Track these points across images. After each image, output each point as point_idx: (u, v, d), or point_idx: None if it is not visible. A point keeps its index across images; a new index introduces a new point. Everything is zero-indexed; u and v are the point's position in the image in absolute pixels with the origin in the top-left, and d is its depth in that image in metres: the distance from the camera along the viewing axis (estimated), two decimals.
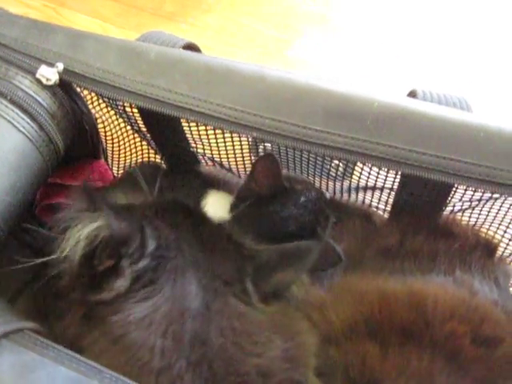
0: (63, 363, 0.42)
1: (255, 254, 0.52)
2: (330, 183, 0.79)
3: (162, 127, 0.72)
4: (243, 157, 0.78)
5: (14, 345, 0.43)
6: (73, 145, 0.67)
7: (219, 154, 0.76)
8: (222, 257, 0.51)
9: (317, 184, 0.82)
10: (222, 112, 0.56)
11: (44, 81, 0.59)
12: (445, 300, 0.55)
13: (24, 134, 0.57)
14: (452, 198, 0.66)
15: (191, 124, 0.70)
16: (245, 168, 0.81)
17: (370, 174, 0.68)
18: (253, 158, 0.81)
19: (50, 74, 0.59)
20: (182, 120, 0.70)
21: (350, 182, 0.74)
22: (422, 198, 0.67)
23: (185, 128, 0.72)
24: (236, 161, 0.79)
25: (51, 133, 0.60)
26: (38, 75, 0.59)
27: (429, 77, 1.19)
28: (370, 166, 0.65)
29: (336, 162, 0.74)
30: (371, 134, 0.54)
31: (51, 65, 0.59)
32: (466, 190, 0.63)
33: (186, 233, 0.50)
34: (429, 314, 0.53)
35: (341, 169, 0.75)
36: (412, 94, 0.63)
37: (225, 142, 0.73)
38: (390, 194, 0.71)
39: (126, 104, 0.69)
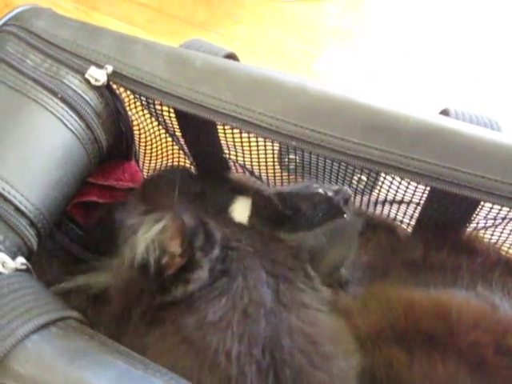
0: (110, 352, 0.43)
1: (302, 240, 0.53)
2: (354, 196, 0.81)
3: (198, 132, 0.74)
4: (274, 166, 0.80)
5: (63, 331, 0.45)
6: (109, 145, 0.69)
7: (251, 162, 0.78)
8: (278, 246, 0.52)
9: None
10: (264, 120, 0.58)
11: (93, 81, 0.61)
12: (468, 311, 0.56)
13: (72, 132, 0.59)
14: (477, 215, 0.68)
15: (227, 131, 0.72)
16: (274, 177, 0.83)
17: (398, 188, 0.69)
18: (283, 169, 0.84)
19: (98, 75, 0.61)
20: (218, 127, 0.72)
21: (378, 195, 0.76)
22: (447, 214, 0.68)
23: (220, 135, 0.74)
24: (267, 169, 0.81)
25: (96, 131, 0.62)
26: (87, 75, 0.61)
27: (455, 96, 1.21)
28: (399, 180, 0.67)
29: (361, 176, 0.76)
30: (406, 148, 0.56)
31: (100, 66, 0.62)
32: (491, 207, 0.65)
33: (235, 226, 0.51)
34: (453, 323, 0.54)
35: (363, 183, 0.77)
36: (444, 113, 0.65)
37: (258, 151, 0.75)
38: (415, 208, 0.73)
39: (164, 108, 0.71)
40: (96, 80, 0.61)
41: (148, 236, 0.44)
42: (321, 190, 0.73)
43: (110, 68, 0.61)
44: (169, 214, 0.45)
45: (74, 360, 0.42)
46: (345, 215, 0.72)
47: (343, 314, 0.58)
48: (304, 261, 0.52)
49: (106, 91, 0.63)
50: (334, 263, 0.55)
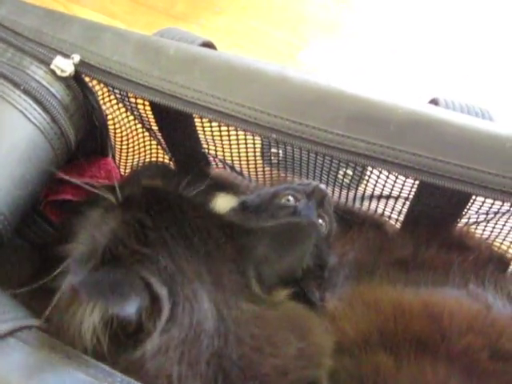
0: (72, 365, 0.40)
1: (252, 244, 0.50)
2: (342, 191, 0.78)
3: (175, 126, 0.70)
4: (255, 161, 0.77)
5: (23, 343, 0.41)
6: (82, 140, 0.65)
7: (231, 157, 0.75)
8: (223, 262, 0.48)
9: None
10: (241, 112, 0.54)
11: (59, 72, 0.57)
12: (461, 313, 0.53)
13: (36, 125, 0.56)
14: (469, 209, 0.65)
15: (205, 124, 0.68)
16: (256, 172, 0.79)
17: (385, 182, 0.66)
18: (264, 164, 0.80)
19: (65, 65, 0.57)
20: (195, 119, 0.69)
21: (365, 190, 0.73)
22: (437, 209, 0.65)
23: (198, 128, 0.70)
24: (248, 164, 0.77)
25: (63, 125, 0.58)
26: (52, 66, 0.57)
27: (444, 88, 1.18)
28: (387, 173, 0.64)
29: (346, 170, 0.73)
30: (394, 140, 0.53)
31: (67, 56, 0.58)
32: (483, 202, 0.62)
33: (180, 240, 0.47)
34: (445, 326, 0.52)
35: (349, 177, 0.74)
36: (433, 102, 0.62)
37: (238, 145, 0.71)
38: (404, 203, 0.70)
39: (138, 101, 0.68)
40: (62, 71, 0.57)
41: (93, 321, 0.41)
42: (290, 198, 0.70)
43: (76, 57, 0.57)
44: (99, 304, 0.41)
45: (32, 375, 0.39)
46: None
47: (329, 318, 0.55)
48: (250, 278, 0.49)
49: (73, 83, 0.59)
50: (282, 274, 0.51)
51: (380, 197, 0.72)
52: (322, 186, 0.72)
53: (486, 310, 0.56)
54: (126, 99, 0.68)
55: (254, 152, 0.75)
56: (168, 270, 0.45)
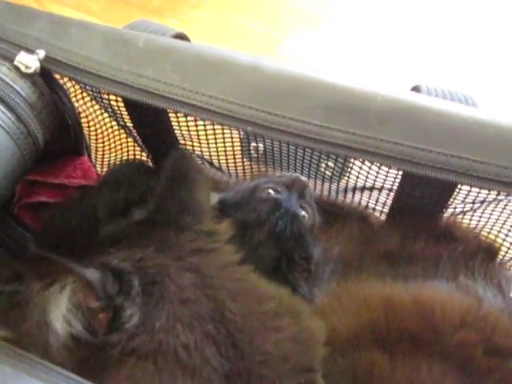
0: (39, 377, 0.38)
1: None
2: (324, 184, 0.76)
3: (149, 122, 0.68)
4: (234, 156, 0.74)
5: None
6: (54, 140, 0.63)
7: (209, 152, 0.72)
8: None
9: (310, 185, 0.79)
10: (215, 104, 0.52)
11: (23, 68, 0.55)
12: (453, 308, 0.52)
13: (0, 126, 0.53)
14: (454, 199, 0.63)
15: (180, 119, 0.66)
16: (235, 167, 0.77)
17: (368, 173, 0.64)
18: (245, 158, 0.78)
19: (29, 61, 0.55)
20: (170, 114, 0.66)
21: (347, 182, 0.71)
22: (422, 199, 0.64)
23: (173, 123, 0.68)
24: (227, 160, 0.75)
25: (30, 125, 0.55)
26: (16, 62, 0.55)
27: (425, 74, 1.16)
28: (369, 164, 0.62)
29: (328, 163, 0.71)
30: (374, 129, 0.51)
31: (31, 51, 0.55)
32: (469, 191, 0.60)
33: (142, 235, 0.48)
34: (438, 322, 0.50)
35: (331, 170, 0.72)
36: (415, 90, 0.60)
37: (215, 139, 0.69)
38: (388, 194, 0.68)
39: (111, 97, 0.65)
40: (26, 67, 0.55)
41: (61, 309, 0.41)
42: (271, 191, 0.69)
43: (41, 53, 0.55)
44: (70, 277, 0.41)
45: None
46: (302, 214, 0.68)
47: (317, 313, 0.53)
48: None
49: (39, 79, 0.56)
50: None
51: (363, 188, 0.70)
52: (302, 178, 0.71)
53: (478, 303, 0.55)
54: (99, 96, 0.66)
55: (233, 147, 0.73)
56: (139, 262, 0.45)
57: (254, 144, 0.76)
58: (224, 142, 0.70)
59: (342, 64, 1.20)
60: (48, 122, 0.59)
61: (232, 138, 0.70)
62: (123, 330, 0.41)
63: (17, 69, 0.55)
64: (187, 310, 0.42)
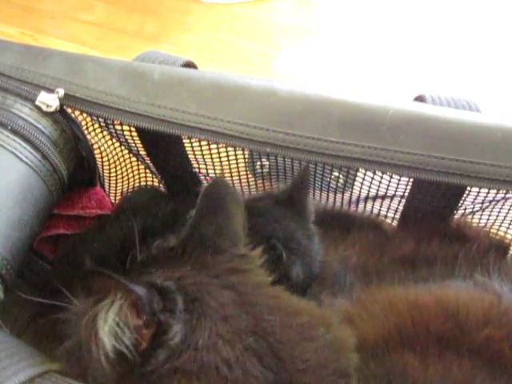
0: None
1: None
2: (331, 194, 0.78)
3: (163, 149, 0.70)
4: (247, 174, 0.77)
5: None
6: (70, 173, 0.65)
7: (222, 172, 0.74)
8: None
9: (317, 197, 0.81)
10: (234, 129, 0.54)
11: (44, 107, 0.57)
12: (475, 306, 0.54)
13: (27, 165, 0.55)
14: (464, 200, 0.66)
15: (194, 143, 0.68)
16: (248, 184, 0.79)
17: (380, 182, 0.66)
18: (250, 175, 0.80)
19: (50, 101, 0.56)
20: (184, 140, 0.68)
21: (359, 192, 0.73)
22: (433, 203, 0.66)
23: (187, 148, 0.70)
24: (240, 178, 0.77)
25: (55, 161, 0.57)
26: (37, 102, 0.57)
27: (421, 84, 1.19)
28: (381, 174, 0.64)
29: (335, 173, 0.73)
30: (387, 142, 0.53)
31: (51, 91, 0.57)
32: (479, 192, 0.63)
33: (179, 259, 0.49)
34: (462, 321, 0.52)
35: (341, 180, 0.74)
36: (419, 100, 0.62)
37: (228, 160, 0.71)
38: (400, 201, 0.70)
39: (124, 127, 0.67)
40: (48, 106, 0.57)
41: (109, 324, 0.42)
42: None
43: (61, 91, 0.57)
44: (118, 293, 0.42)
45: None
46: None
47: (345, 322, 0.55)
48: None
49: (60, 117, 0.58)
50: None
51: (375, 198, 0.72)
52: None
53: (497, 299, 0.56)
54: (111, 126, 0.68)
55: (245, 165, 0.75)
56: (182, 281, 0.46)
57: (259, 163, 0.78)
58: (237, 162, 0.72)
59: (335, 75, 1.23)
60: (70, 157, 0.61)
61: (244, 157, 0.72)
62: (167, 346, 0.42)
63: (38, 108, 0.57)
64: (228, 325, 0.43)
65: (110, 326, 0.42)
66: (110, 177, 0.82)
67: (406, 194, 0.67)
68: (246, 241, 0.53)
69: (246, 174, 0.79)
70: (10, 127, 0.55)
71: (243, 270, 0.49)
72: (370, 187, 0.69)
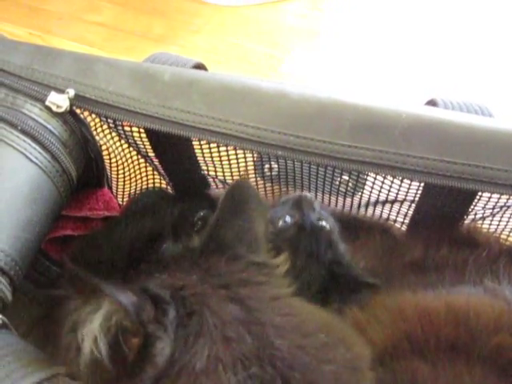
0: None
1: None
2: (339, 198, 0.78)
3: (172, 151, 0.69)
4: (256, 177, 0.76)
5: None
6: (79, 174, 0.64)
7: (231, 175, 0.74)
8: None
9: (325, 201, 0.81)
10: (244, 131, 0.54)
11: (54, 108, 0.56)
12: (486, 312, 0.53)
13: (37, 165, 0.54)
14: (475, 206, 0.65)
15: (204, 146, 0.68)
16: (257, 187, 0.79)
17: (391, 187, 0.66)
18: (258, 178, 0.80)
19: (60, 101, 0.56)
20: (193, 142, 0.68)
21: (369, 196, 0.72)
22: (444, 208, 0.65)
23: (196, 150, 0.69)
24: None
25: (64, 162, 0.57)
26: (47, 102, 0.56)
27: (430, 88, 1.18)
28: (391, 178, 0.64)
29: (345, 177, 0.73)
30: (400, 146, 0.53)
31: (61, 91, 0.57)
32: (490, 197, 0.62)
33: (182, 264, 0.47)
34: (473, 327, 0.51)
35: (351, 184, 0.74)
36: (431, 104, 0.62)
37: (238, 163, 0.71)
38: (409, 206, 0.70)
39: (133, 129, 0.67)
40: (58, 106, 0.56)
41: (92, 329, 0.40)
42: (287, 219, 0.70)
43: (71, 92, 0.56)
44: (107, 299, 0.40)
45: None
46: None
47: (354, 327, 0.55)
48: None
49: (69, 117, 0.58)
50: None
51: (385, 202, 0.72)
52: (306, 193, 0.72)
53: (508, 306, 0.56)
54: (120, 127, 0.67)
55: (254, 168, 0.74)
56: (178, 290, 0.44)
57: (267, 165, 0.78)
58: (246, 165, 0.72)
59: (344, 77, 1.22)
60: (79, 158, 0.60)
61: (254, 159, 0.72)
62: (154, 363, 0.39)
63: (48, 109, 0.57)
64: (230, 349, 0.40)
65: (93, 332, 0.40)
66: (117, 178, 0.82)
67: (416, 198, 0.66)
68: (268, 247, 0.51)
69: (255, 178, 0.78)
70: (19, 127, 0.54)
71: (256, 282, 0.46)
72: (379, 191, 0.68)
